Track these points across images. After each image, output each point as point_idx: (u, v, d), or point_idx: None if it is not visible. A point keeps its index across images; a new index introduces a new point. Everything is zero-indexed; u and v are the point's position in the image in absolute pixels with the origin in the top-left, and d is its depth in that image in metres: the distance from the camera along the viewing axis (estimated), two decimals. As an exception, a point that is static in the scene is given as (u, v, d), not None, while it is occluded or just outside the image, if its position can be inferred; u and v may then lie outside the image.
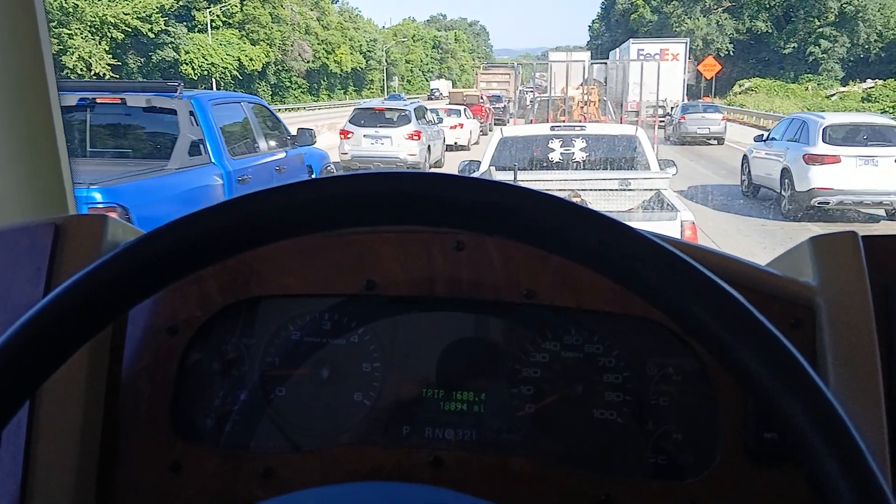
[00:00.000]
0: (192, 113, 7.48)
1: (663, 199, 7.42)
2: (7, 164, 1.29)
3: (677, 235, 5.96)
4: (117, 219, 1.01)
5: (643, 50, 20.53)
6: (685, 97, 21.28)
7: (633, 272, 0.52)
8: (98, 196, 6.00)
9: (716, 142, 27.46)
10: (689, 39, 26.06)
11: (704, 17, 68.10)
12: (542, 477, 0.94)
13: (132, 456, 0.98)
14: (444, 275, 0.99)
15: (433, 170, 15.77)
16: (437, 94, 73.60)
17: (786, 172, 13.63)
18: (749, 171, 15.79)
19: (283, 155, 9.15)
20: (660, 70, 20.10)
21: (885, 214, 13.70)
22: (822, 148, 13.15)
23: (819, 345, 0.88)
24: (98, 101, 7.56)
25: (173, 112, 7.41)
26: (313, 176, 9.71)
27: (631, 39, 22.09)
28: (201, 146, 7.49)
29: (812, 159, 13.10)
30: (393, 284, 1.00)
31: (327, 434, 0.99)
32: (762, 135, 16.83)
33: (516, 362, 0.98)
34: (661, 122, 21.24)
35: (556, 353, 0.98)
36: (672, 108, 23.09)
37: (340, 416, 0.99)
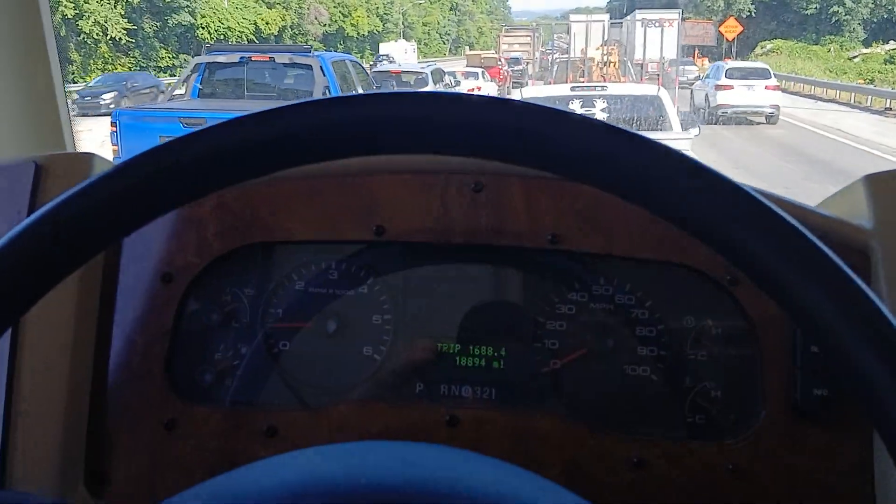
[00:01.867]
0: (321, 67, 10.37)
1: None
2: (2, 101, 1.24)
3: None
4: (104, 157, 0.95)
5: (646, 18, 23.36)
6: (680, 55, 23.92)
7: (687, 203, 0.46)
8: None
9: (765, 120, 23.00)
10: (681, 10, 27.83)
11: (726, -23, 66.88)
12: (567, 437, 0.88)
13: (123, 412, 0.92)
14: (461, 219, 0.92)
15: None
16: (386, 60, 44.51)
17: (707, 97, 23.23)
18: (693, 99, 24.64)
19: None
20: (661, 34, 22.96)
21: (764, 120, 22.89)
22: (724, 81, 22.54)
23: (875, 293, 0.82)
24: (253, 58, 10.74)
25: (309, 67, 10.45)
26: None
27: (636, 10, 25.29)
28: (327, 90, 10.28)
29: (718, 87, 22.58)
30: (405, 230, 0.93)
31: (334, 391, 0.93)
32: (700, 76, 26.45)
33: (540, 314, 0.92)
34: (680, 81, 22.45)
35: (583, 304, 0.91)
36: (667, 63, 23.61)
37: (348, 371, 0.94)
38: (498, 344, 0.92)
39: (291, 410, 0.93)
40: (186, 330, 0.95)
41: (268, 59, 10.80)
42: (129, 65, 46.77)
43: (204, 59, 11.15)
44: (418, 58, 60.45)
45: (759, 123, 22.76)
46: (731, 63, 25.36)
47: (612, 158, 0.46)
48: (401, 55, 50.31)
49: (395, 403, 0.92)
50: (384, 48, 52.08)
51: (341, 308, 0.95)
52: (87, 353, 0.90)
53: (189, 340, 0.95)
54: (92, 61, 43.89)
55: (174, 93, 11.16)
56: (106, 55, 44.83)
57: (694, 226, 0.46)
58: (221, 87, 11.27)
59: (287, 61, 10.74)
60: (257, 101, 10.20)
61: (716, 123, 21.50)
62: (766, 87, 22.62)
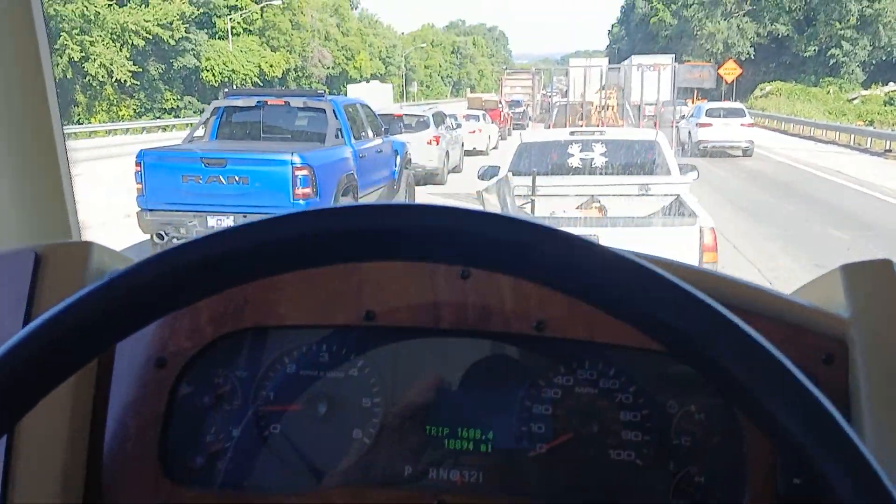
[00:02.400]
0: (333, 111, 10.74)
1: (683, 205, 7.34)
2: (8, 188, 1.24)
3: (696, 241, 5.93)
4: (102, 245, 0.98)
5: (641, 63, 25.42)
6: (673, 97, 25.46)
7: (648, 315, 0.48)
8: (297, 159, 9.21)
9: (741, 153, 25.80)
10: (674, 56, 30.36)
11: (725, 20, 67.68)
12: None
13: (117, 496, 0.93)
14: (449, 304, 0.94)
15: (451, 175, 15.70)
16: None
17: (689, 133, 25.78)
18: (678, 135, 25.37)
19: (380, 141, 12.30)
20: (659, 78, 24.61)
21: (740, 153, 25.57)
22: (704, 119, 25.31)
23: (853, 381, 0.83)
24: (269, 102, 11.26)
25: (322, 110, 10.83)
26: (398, 158, 13.07)
27: (633, 56, 28.08)
28: (339, 133, 10.72)
29: (699, 125, 25.28)
30: (394, 315, 0.95)
31: (325, 473, 0.94)
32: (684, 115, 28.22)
33: (526, 398, 0.93)
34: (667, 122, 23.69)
35: (569, 388, 0.92)
36: (662, 105, 25.19)
37: (338, 454, 0.94)
38: (486, 427, 0.93)
39: (281, 493, 0.94)
40: (179, 413, 0.96)
41: (283, 104, 11.23)
42: (134, 107, 47.23)
43: (222, 102, 11.50)
44: (397, 100, 60.01)
45: (736, 156, 25.54)
46: (710, 103, 28.28)
47: (576, 267, 0.49)
48: (371, 99, 47.92)
49: (383, 487, 0.92)
50: (353, 90, 45.55)
51: (331, 391, 0.96)
52: (83, 437, 0.91)
53: (182, 424, 0.96)
54: (97, 103, 44.35)
55: (195, 134, 11.42)
56: (111, 97, 45.30)
57: (655, 337, 0.48)
58: (239, 129, 11.60)
59: (301, 105, 11.14)
60: (273, 142, 10.95)
61: (698, 156, 23.10)
62: (742, 125, 25.72)
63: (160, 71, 48.55)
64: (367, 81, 50.21)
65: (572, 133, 9.17)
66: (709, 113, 25.98)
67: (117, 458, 0.93)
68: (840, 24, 61.53)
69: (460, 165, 21.05)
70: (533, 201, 7.80)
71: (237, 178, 9.35)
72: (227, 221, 9.28)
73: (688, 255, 5.89)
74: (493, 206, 6.78)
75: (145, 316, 0.51)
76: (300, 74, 63.77)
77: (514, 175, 7.88)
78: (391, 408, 0.94)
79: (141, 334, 0.91)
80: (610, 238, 6.01)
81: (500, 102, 37.33)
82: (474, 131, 25.61)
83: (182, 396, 0.96)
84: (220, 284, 0.52)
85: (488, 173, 8.40)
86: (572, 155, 8.63)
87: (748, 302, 0.87)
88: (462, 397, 0.94)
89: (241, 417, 0.97)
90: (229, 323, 0.96)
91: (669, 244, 5.96)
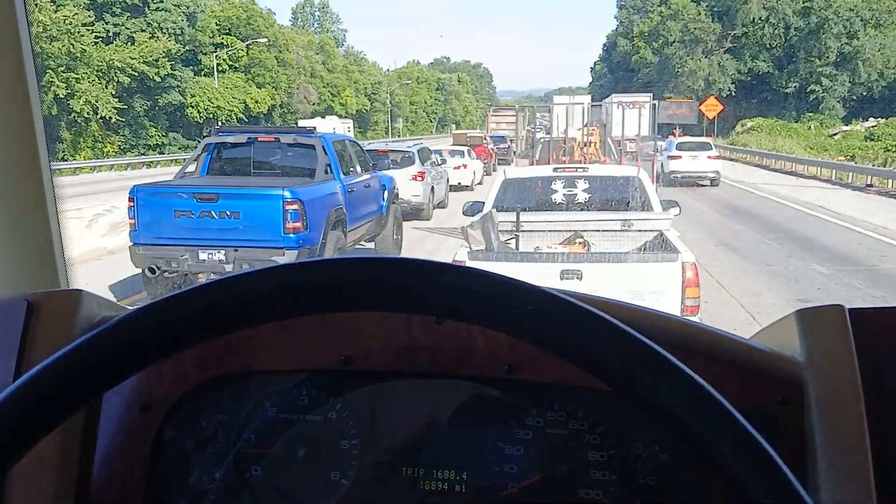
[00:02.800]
0: (323, 147, 10.93)
1: (666, 240, 7.39)
2: None
3: (678, 277, 5.99)
4: (92, 293, 0.99)
5: (621, 101, 26.91)
6: (651, 133, 26.92)
7: (602, 365, 0.52)
8: (288, 194, 9.35)
9: (709, 183, 27.94)
10: (651, 94, 32.58)
11: (706, 57, 68.74)
12: None
13: None
14: (424, 349, 0.97)
15: (437, 211, 15.72)
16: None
17: (663, 164, 26.64)
18: (654, 167, 24.08)
19: (368, 176, 12.45)
20: (639, 115, 25.99)
21: (708, 183, 27.61)
22: (674, 152, 27.73)
23: (808, 422, 0.86)
24: (259, 139, 11.41)
25: (312, 147, 10.99)
26: (386, 192, 13.15)
27: (613, 94, 30.97)
28: (328, 168, 10.91)
29: (670, 157, 27.56)
30: (371, 359, 0.97)
31: None
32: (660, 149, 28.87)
33: (499, 439, 0.95)
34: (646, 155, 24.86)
35: (539, 429, 0.95)
36: (640, 140, 26.45)
37: (317, 496, 0.96)
38: (460, 468, 0.94)
39: None
40: (164, 456, 0.98)
41: (273, 140, 11.42)
42: (119, 143, 47.26)
43: (213, 139, 11.66)
44: (381, 136, 59.45)
45: (704, 185, 27.81)
46: (681, 138, 30.55)
47: (530, 317, 0.54)
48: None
49: None
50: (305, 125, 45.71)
51: (310, 434, 0.97)
52: (71, 479, 0.92)
53: (166, 466, 0.98)
54: (82, 139, 44.37)
55: (186, 170, 11.51)
56: (96, 133, 45.35)
57: (607, 383, 0.52)
58: (229, 165, 11.75)
59: (291, 141, 11.32)
60: (264, 178, 11.19)
61: (669, 186, 25.00)
62: (709, 157, 28.22)
63: (145, 107, 48.72)
64: (323, 117, 49.65)
65: (555, 169, 9.29)
66: (679, 147, 28.52)
67: (104, 500, 0.95)
68: (819, 60, 62.63)
69: (445, 201, 21.14)
70: (517, 237, 7.82)
71: (229, 213, 9.43)
72: (219, 255, 9.40)
73: (671, 290, 5.97)
74: (477, 241, 6.80)
75: (134, 366, 0.53)
76: (286, 110, 64.13)
77: (498, 211, 7.93)
78: (368, 450, 0.96)
79: (127, 380, 0.93)
80: (593, 274, 6.08)
81: (485, 138, 37.68)
82: (459, 167, 25.84)
83: (167, 440, 0.98)
84: (207, 334, 0.54)
85: (473, 209, 8.44)
86: (556, 191, 8.71)
87: (706, 345, 0.90)
88: (437, 439, 0.96)
89: (224, 460, 0.98)
90: (212, 368, 0.98)
91: (652, 280, 6.03)
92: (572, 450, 0.93)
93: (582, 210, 8.44)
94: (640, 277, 6.06)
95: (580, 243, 7.98)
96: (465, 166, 26.26)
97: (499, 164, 32.62)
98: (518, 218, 7.75)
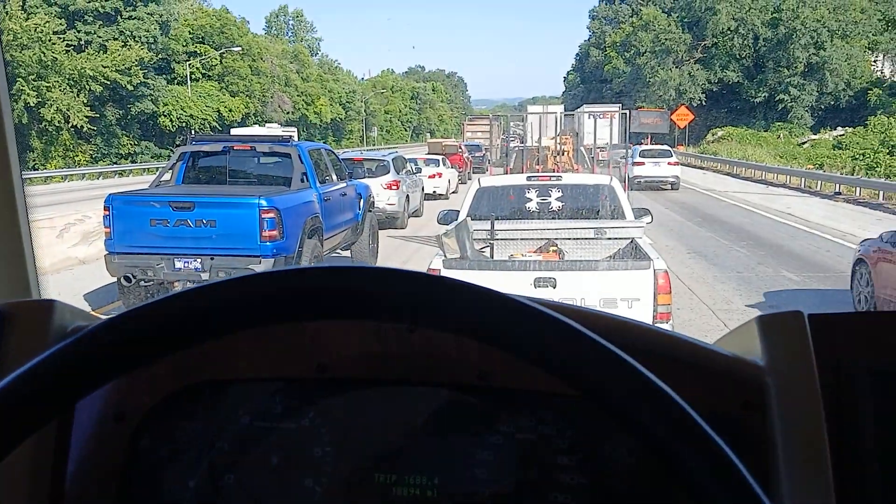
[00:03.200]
0: (299, 155, 11.00)
1: (638, 248, 7.51)
2: None
3: (651, 284, 6.09)
4: (65, 303, 0.99)
5: (591, 111, 28.99)
6: (620, 141, 28.86)
7: (573, 374, 0.54)
8: (264, 203, 9.40)
9: (669, 187, 30.66)
10: (621, 104, 35.94)
11: (677, 68, 69.40)
12: None
13: None
14: (397, 357, 0.97)
15: (412, 219, 15.70)
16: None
17: (628, 170, 27.26)
18: (623, 174, 25.60)
19: (343, 185, 12.56)
20: (610, 124, 27.91)
21: (669, 187, 30.03)
22: (638, 159, 29.62)
23: (769, 425, 0.88)
24: (235, 147, 11.54)
25: (288, 155, 11.09)
26: (362, 201, 13.26)
27: (584, 105, 33.79)
28: (304, 177, 10.97)
29: (634, 164, 28.87)
30: (345, 367, 0.98)
31: None
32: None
33: (470, 445, 0.96)
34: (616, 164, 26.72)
35: (510, 435, 0.96)
36: (609, 148, 28.56)
37: (290, 502, 0.97)
38: (432, 474, 0.95)
39: None
40: (137, 465, 0.98)
41: (249, 148, 11.49)
42: (91, 152, 46.80)
43: (189, 148, 11.59)
44: (356, 144, 59.41)
45: (665, 189, 30.30)
46: (643, 147, 32.98)
47: (501, 327, 0.56)
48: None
49: None
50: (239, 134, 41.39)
51: (285, 441, 0.98)
52: (44, 490, 0.92)
53: (140, 475, 0.98)
54: (53, 149, 43.88)
55: (161, 179, 11.49)
56: (67, 143, 44.87)
57: (577, 389, 0.55)
58: (205, 173, 11.71)
59: (267, 150, 11.39)
60: (240, 186, 11.20)
61: (633, 190, 25.76)
62: (669, 163, 30.89)
63: (117, 116, 48.30)
64: (261, 125, 48.80)
65: (529, 178, 9.34)
66: (642, 154, 31.04)
67: None
68: (788, 70, 63.46)
69: (420, 209, 21.19)
70: (492, 245, 7.88)
71: (205, 221, 9.41)
72: (195, 264, 9.37)
73: (643, 297, 6.08)
74: (452, 250, 6.84)
75: (108, 375, 0.53)
76: (259, 119, 63.72)
77: (472, 219, 8.01)
78: (342, 457, 0.97)
79: (100, 389, 0.96)
80: (567, 282, 6.17)
81: (461, 147, 37.99)
82: (434, 175, 26.04)
83: (140, 449, 0.98)
84: (181, 344, 0.55)
85: (448, 217, 8.46)
86: (530, 199, 8.81)
87: (670, 350, 0.92)
88: (409, 445, 0.97)
89: (197, 469, 0.98)
90: (185, 377, 0.99)
91: (625, 287, 6.13)
92: (542, 455, 0.95)
93: (556, 218, 8.55)
94: (613, 285, 6.14)
95: (554, 251, 8.08)
96: (439, 175, 26.45)
97: (474, 172, 33.18)
98: (493, 226, 7.80)
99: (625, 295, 6.07)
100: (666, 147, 33.79)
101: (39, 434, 0.91)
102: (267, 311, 0.58)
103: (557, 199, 8.71)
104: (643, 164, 29.99)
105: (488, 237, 7.87)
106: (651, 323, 0.99)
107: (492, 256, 7.86)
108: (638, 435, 0.54)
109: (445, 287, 0.57)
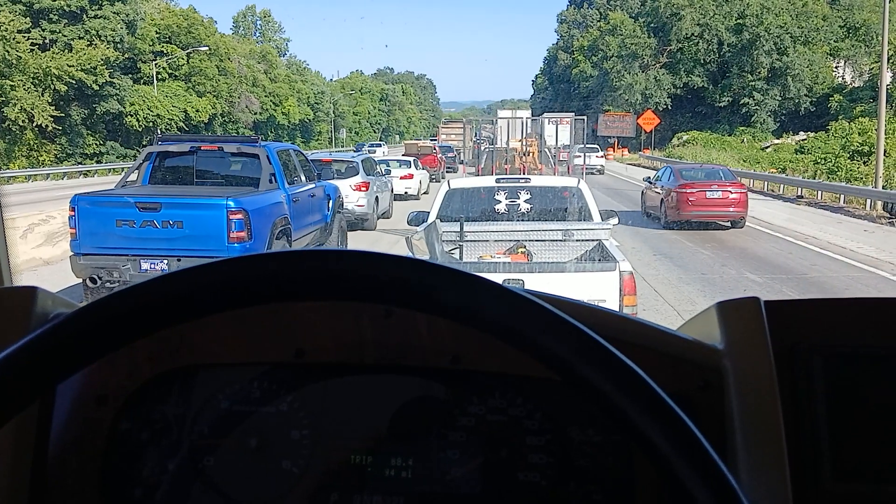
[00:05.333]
0: (267, 156, 10.88)
1: (605, 249, 7.60)
2: None
3: (616, 285, 6.18)
4: (46, 290, 1.01)
5: (550, 117, 33.32)
6: (574, 143, 32.14)
7: (545, 350, 0.55)
8: (232, 204, 9.34)
9: (597, 172, 41.48)
10: (574, 112, 42.53)
11: (643, 72, 69.99)
12: None
13: None
14: (373, 341, 1.00)
15: (381, 221, 15.75)
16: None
17: (570, 161, 29.25)
18: (569, 167, 28.56)
19: (312, 185, 12.52)
20: (568, 129, 31.23)
21: (596, 172, 40.86)
22: (577, 153, 30.66)
23: (727, 406, 0.93)
24: (202, 147, 11.44)
25: (256, 156, 10.99)
26: (331, 202, 13.32)
27: (545, 113, 39.46)
28: (272, 177, 10.89)
29: (575, 157, 29.88)
30: (322, 352, 1.01)
31: (256, 503, 0.99)
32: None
33: (443, 426, 0.99)
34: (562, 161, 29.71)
35: (481, 416, 0.99)
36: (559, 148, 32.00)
37: (270, 485, 0.99)
38: (407, 454, 0.99)
39: None
40: (118, 448, 1.00)
41: (216, 149, 11.37)
42: (56, 152, 46.12)
43: (155, 148, 11.43)
44: (325, 146, 60.54)
45: (592, 174, 36.44)
46: (580, 146, 36.40)
47: (476, 308, 0.57)
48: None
49: None
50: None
51: (263, 425, 1.00)
52: (25, 471, 0.94)
53: (121, 458, 1.00)
54: (17, 148, 43.16)
55: (128, 179, 11.32)
56: (32, 142, 44.17)
57: (550, 367, 0.57)
58: (172, 174, 11.55)
59: (235, 150, 11.30)
60: (207, 187, 11.09)
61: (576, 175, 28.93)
62: (597, 156, 43.11)
63: (83, 116, 47.60)
64: (296, 127, 50.71)
65: (498, 180, 9.42)
66: (580, 150, 34.01)
67: (59, 492, 0.97)
68: (752, 75, 64.29)
69: (390, 211, 21.19)
70: (461, 247, 7.93)
71: (171, 223, 9.34)
72: (161, 265, 9.28)
73: (609, 298, 6.17)
74: (421, 251, 6.87)
75: (87, 356, 0.55)
76: (227, 120, 63.32)
77: (442, 221, 8.12)
78: (319, 439, 0.99)
79: (81, 374, 0.97)
80: (535, 283, 6.23)
81: (435, 148, 40.12)
82: (406, 177, 26.42)
83: (121, 432, 1.00)
84: (158, 325, 0.57)
85: (418, 218, 8.52)
86: (499, 201, 8.92)
87: (632, 335, 0.96)
88: (385, 428, 1.00)
89: (177, 451, 1.00)
90: (166, 361, 1.01)
91: (591, 288, 6.21)
92: (512, 436, 0.98)
93: (524, 220, 8.65)
94: (580, 286, 6.23)
95: (522, 253, 8.16)
96: (410, 176, 26.76)
97: (447, 171, 35.86)
98: (462, 228, 7.87)
99: (591, 296, 6.08)
100: (595, 146, 46.28)
101: (21, 416, 0.89)
102: (248, 293, 0.59)
103: (526, 201, 8.82)
104: (580, 156, 32.73)
105: (457, 239, 7.92)
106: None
107: (461, 258, 7.92)
108: (606, 411, 0.55)
109: (427, 269, 0.59)
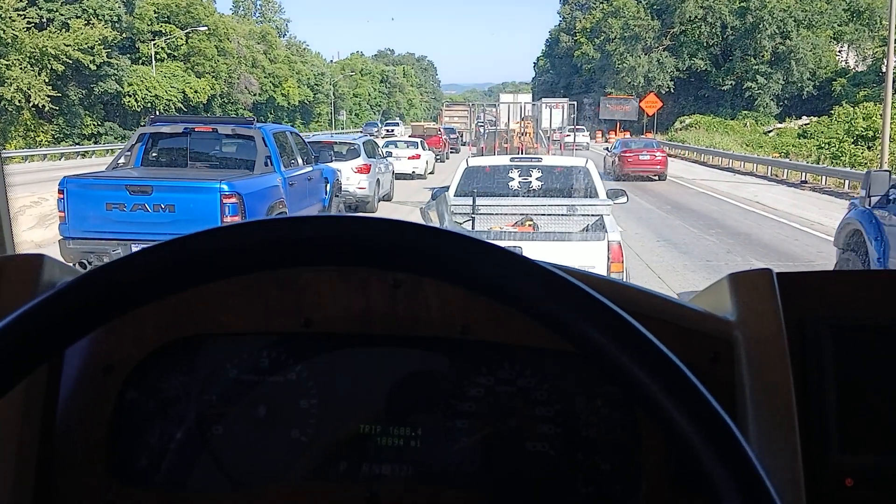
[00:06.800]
0: (263, 138, 10.60)
1: (603, 223, 8.16)
2: None
3: (605, 254, 6.90)
4: (53, 258, 1.02)
5: (547, 102, 34.55)
6: (567, 125, 33.53)
7: (557, 320, 0.55)
8: (226, 187, 9.08)
9: (583, 148, 41.89)
10: (568, 97, 44.54)
11: (646, 55, 69.71)
12: None
13: (67, 498, 0.97)
14: (382, 312, 1.00)
15: (382, 203, 15.79)
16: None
17: (562, 140, 30.60)
18: (561, 146, 30.30)
19: (310, 168, 12.31)
20: (561, 112, 32.57)
21: (580, 148, 35.85)
22: (566, 133, 31.61)
23: (738, 377, 0.93)
24: (196, 129, 11.01)
25: (251, 138, 10.69)
26: (329, 185, 13.17)
27: (543, 98, 40.58)
28: (268, 160, 10.62)
29: (564, 136, 30.99)
30: (331, 322, 1.00)
31: (264, 472, 0.99)
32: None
33: (452, 397, 0.99)
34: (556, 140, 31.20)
35: (490, 387, 0.99)
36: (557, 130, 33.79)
37: (278, 453, 0.99)
38: (415, 424, 0.99)
39: (223, 492, 0.99)
40: (125, 417, 0.99)
41: (211, 130, 11.09)
42: (53, 132, 45.90)
43: (148, 129, 11.15)
44: (325, 127, 61.50)
45: (580, 150, 35.34)
46: (569, 127, 38.87)
47: (480, 272, 0.57)
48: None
49: (319, 483, 0.98)
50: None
51: (271, 394, 1.00)
52: (32, 441, 0.94)
53: (128, 427, 1.00)
54: (13, 128, 42.94)
55: (119, 161, 11.07)
56: (28, 122, 43.97)
57: (564, 338, 0.55)
58: (165, 156, 11.31)
59: (230, 132, 11.00)
60: (201, 170, 10.81)
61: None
62: (582, 136, 43.26)
63: (80, 96, 47.39)
64: (296, 108, 51.51)
65: (513, 160, 10.26)
66: (569, 132, 35.48)
67: (66, 461, 0.97)
68: (755, 59, 64.05)
69: (391, 193, 21.08)
70: (473, 219, 8.51)
71: (163, 206, 9.12)
72: None
73: (598, 265, 6.80)
74: (433, 221, 7.26)
75: (94, 321, 0.54)
76: (226, 100, 63.11)
77: (459, 196, 8.84)
78: (327, 409, 0.99)
79: (88, 343, 1.01)
80: (533, 250, 6.68)
81: (439, 130, 43.52)
82: (413, 157, 28.15)
83: (128, 401, 1.00)
84: (165, 290, 0.56)
85: (439, 193, 8.93)
86: (512, 178, 9.67)
87: (644, 306, 0.95)
88: (393, 397, 1.00)
89: (184, 420, 1.00)
90: (173, 331, 1.00)
91: (583, 256, 6.84)
92: (520, 406, 0.98)
93: (534, 195, 9.45)
94: (573, 254, 6.83)
95: (529, 225, 8.81)
96: (418, 157, 28.43)
97: (451, 152, 39.73)
98: (474, 202, 8.45)
99: (582, 263, 6.63)
100: (582, 126, 48.56)
101: (29, 385, 0.97)
102: (257, 258, 0.58)
103: (537, 178, 9.64)
104: (569, 135, 34.19)
105: (471, 212, 8.45)
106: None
107: (473, 229, 8.40)
108: (619, 379, 0.54)
109: (434, 234, 0.57)
